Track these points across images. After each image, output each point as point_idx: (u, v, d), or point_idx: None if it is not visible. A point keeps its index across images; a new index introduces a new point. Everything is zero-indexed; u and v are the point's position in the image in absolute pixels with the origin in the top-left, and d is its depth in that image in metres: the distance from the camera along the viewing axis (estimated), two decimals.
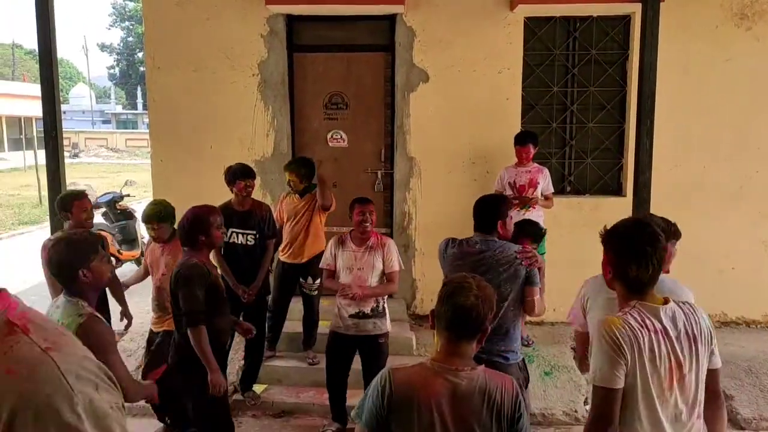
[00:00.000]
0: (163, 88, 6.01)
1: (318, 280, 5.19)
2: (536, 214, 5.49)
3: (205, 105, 5.99)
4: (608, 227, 2.34)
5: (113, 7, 52.36)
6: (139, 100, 50.49)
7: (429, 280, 5.93)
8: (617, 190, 6.15)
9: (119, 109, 55.07)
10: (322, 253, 5.21)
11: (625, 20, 5.96)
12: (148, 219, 4.25)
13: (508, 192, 5.54)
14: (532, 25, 5.96)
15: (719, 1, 5.77)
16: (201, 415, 3.65)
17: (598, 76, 6.04)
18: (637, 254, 2.20)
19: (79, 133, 43.19)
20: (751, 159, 5.97)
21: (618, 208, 5.67)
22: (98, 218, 9.79)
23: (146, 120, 41.40)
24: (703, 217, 5.94)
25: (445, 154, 5.99)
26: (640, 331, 2.14)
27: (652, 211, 5.06)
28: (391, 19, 5.95)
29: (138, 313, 5.23)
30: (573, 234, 5.73)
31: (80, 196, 4.30)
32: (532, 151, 5.48)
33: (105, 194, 9.46)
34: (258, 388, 5.14)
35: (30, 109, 35.84)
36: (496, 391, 2.07)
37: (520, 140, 5.49)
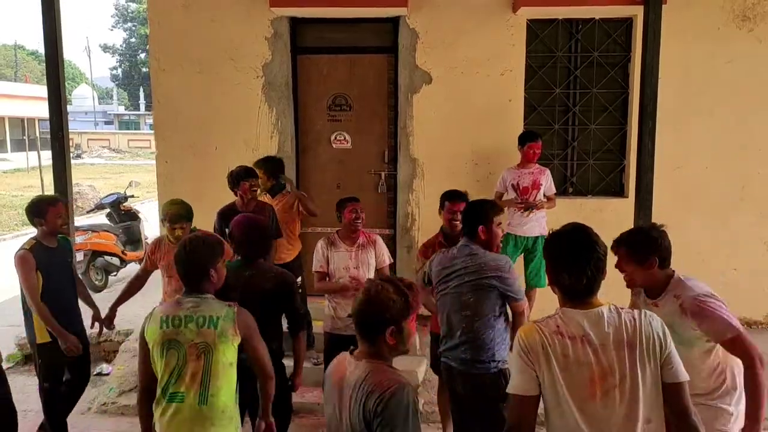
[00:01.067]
0: (167, 89, 6.05)
1: (299, 279, 5.21)
2: (539, 216, 5.53)
3: (209, 106, 6.03)
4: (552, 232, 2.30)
5: (116, 8, 52.50)
6: (142, 101, 50.55)
7: None
8: (619, 192, 6.18)
9: (122, 110, 55.14)
10: (299, 253, 5.31)
11: (627, 22, 5.98)
12: (179, 219, 4.16)
13: (511, 194, 5.57)
14: (534, 27, 5.99)
15: (721, 3, 5.79)
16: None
17: (600, 78, 6.07)
18: (571, 263, 2.12)
19: (82, 134, 43.29)
20: (753, 160, 5.99)
21: (620, 210, 5.74)
22: (102, 219, 9.86)
23: (149, 121, 41.74)
24: (705, 218, 5.97)
25: (448, 156, 6.02)
26: (552, 337, 2.07)
27: (654, 212, 5.13)
28: (395, 21, 5.98)
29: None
30: None
31: (55, 201, 4.15)
32: (540, 146, 5.53)
33: (109, 195, 9.51)
34: None
35: (33, 110, 35.99)
36: (367, 388, 2.08)
37: (531, 137, 5.51)
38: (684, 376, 2.10)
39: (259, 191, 5.14)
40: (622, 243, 2.86)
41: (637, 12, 5.63)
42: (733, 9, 5.79)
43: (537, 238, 5.54)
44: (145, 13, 48.63)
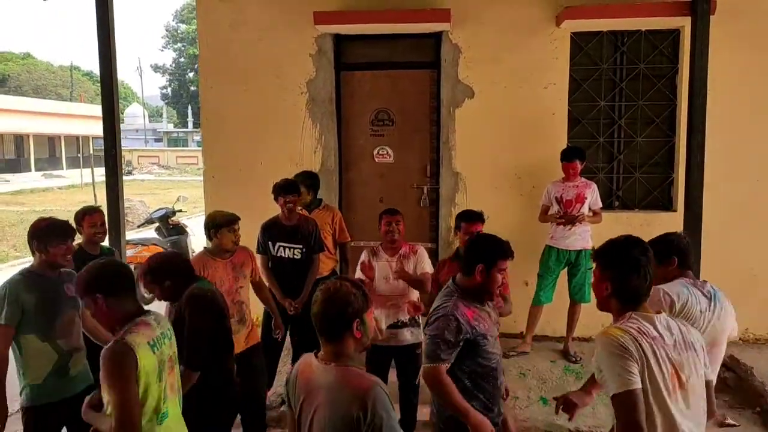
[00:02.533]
0: (215, 106, 6.22)
1: None
2: (583, 229, 5.46)
3: (255, 122, 6.17)
4: (596, 247, 2.51)
5: (166, 29, 54.13)
6: (190, 119, 51.89)
7: None
8: (667, 205, 6.05)
9: (170, 127, 56.73)
10: (334, 269, 5.36)
11: (674, 34, 5.89)
12: (235, 219, 4.21)
13: (555, 207, 5.52)
14: (578, 40, 5.95)
15: None
16: None
17: (647, 89, 5.97)
18: (636, 265, 2.35)
19: (133, 151, 44.70)
20: None
21: (669, 224, 5.54)
22: (151, 233, 10.13)
23: (196, 138, 42.67)
24: (756, 232, 5.80)
25: (490, 169, 6.01)
26: (640, 337, 2.24)
27: (704, 226, 5.01)
28: (437, 36, 6.03)
29: None
30: None
31: (91, 211, 4.35)
32: (579, 167, 5.44)
33: (158, 209, 9.77)
34: None
35: (87, 129, 37.39)
36: (344, 395, 2.14)
37: (566, 156, 5.46)
38: (711, 377, 2.44)
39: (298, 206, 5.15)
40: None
41: (685, 23, 5.55)
42: None
43: (580, 251, 5.46)
44: (194, 34, 49.92)
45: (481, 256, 2.94)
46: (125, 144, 47.40)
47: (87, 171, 32.51)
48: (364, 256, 4.53)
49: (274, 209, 5.19)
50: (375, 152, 6.25)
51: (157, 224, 9.34)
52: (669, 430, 2.23)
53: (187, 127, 51.95)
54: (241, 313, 4.28)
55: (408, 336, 4.32)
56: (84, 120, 37.78)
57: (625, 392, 2.17)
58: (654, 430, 2.22)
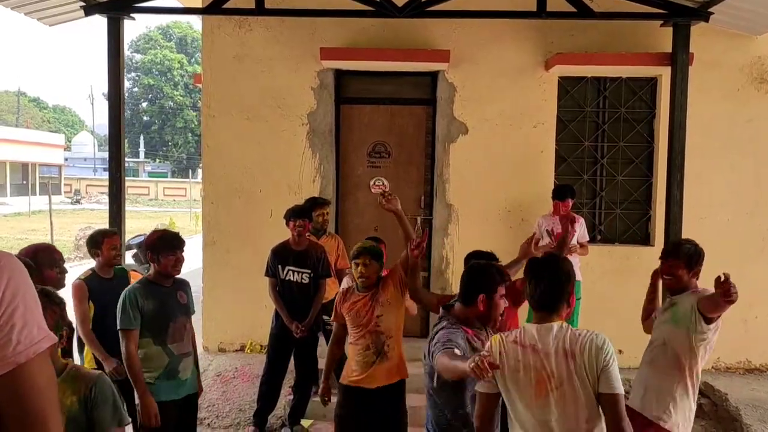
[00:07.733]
0: (216, 134, 6.33)
1: None
2: (573, 261, 5.75)
3: (256, 151, 6.32)
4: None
5: None
6: (141, 149, 50.91)
7: None
8: (645, 240, 6.44)
9: None
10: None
11: (652, 82, 6.37)
12: (363, 252, 4.06)
13: (546, 239, 5.80)
14: (565, 84, 6.37)
15: (740, 66, 6.19)
16: None
17: (627, 132, 6.42)
18: (536, 276, 2.55)
19: (81, 180, 43.55)
20: None
21: (647, 258, 5.96)
22: (128, 259, 9.98)
23: (147, 168, 41.55)
24: (727, 268, 6.11)
25: (482, 202, 6.30)
26: (508, 345, 2.50)
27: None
28: (433, 75, 6.35)
29: None
30: (604, 280, 6.06)
31: (111, 233, 4.39)
32: (570, 204, 5.77)
33: (136, 236, 9.67)
34: (305, 422, 5.28)
35: (33, 155, 36.38)
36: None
37: (560, 195, 5.75)
38: (619, 389, 2.36)
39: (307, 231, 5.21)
40: (677, 253, 3.56)
41: (662, 72, 6.04)
42: (752, 72, 6.19)
43: None
44: (149, 64, 49.27)
45: (482, 286, 3.01)
46: (74, 173, 46.20)
47: (34, 198, 31.64)
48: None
49: (272, 236, 5.34)
50: (371, 183, 6.47)
51: (134, 251, 9.24)
52: (529, 428, 2.45)
53: (138, 157, 50.91)
54: (380, 343, 3.91)
55: None
56: (30, 146, 36.80)
57: (482, 393, 2.58)
58: (516, 425, 2.50)
